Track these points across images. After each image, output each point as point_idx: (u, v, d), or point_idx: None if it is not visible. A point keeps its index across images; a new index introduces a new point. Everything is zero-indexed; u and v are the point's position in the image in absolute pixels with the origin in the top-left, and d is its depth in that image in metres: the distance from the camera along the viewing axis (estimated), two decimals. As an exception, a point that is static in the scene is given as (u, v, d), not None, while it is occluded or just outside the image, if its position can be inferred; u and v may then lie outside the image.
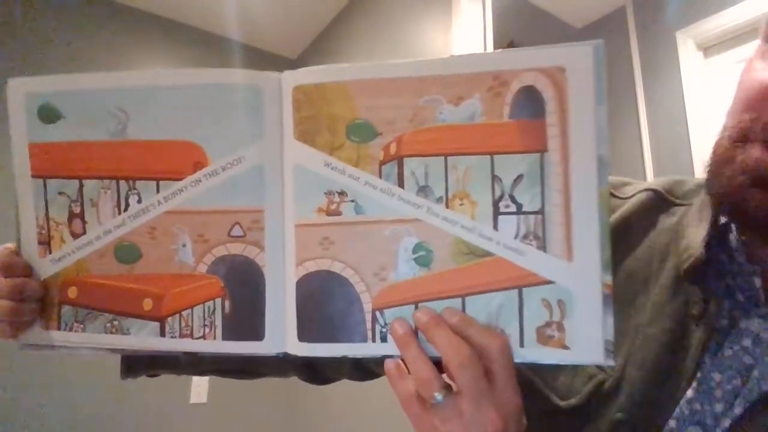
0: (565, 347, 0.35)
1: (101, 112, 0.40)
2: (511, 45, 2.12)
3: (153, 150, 0.39)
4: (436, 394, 0.32)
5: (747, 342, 0.36)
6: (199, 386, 1.62)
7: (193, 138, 0.38)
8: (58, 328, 0.41)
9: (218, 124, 0.38)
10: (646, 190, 0.47)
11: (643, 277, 0.43)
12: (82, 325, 0.41)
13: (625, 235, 0.46)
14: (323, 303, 0.37)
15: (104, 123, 0.40)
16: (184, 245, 0.39)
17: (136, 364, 0.45)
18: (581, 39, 0.34)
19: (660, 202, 0.46)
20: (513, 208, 0.36)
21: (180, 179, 0.39)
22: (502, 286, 0.36)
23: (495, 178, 0.36)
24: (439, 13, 1.59)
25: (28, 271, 0.40)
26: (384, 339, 0.37)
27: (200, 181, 0.38)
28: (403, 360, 0.35)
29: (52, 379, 1.47)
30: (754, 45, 0.40)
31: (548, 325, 0.35)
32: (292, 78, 0.37)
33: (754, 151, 0.34)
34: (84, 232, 0.40)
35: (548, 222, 0.35)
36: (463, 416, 0.31)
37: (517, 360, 0.35)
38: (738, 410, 0.34)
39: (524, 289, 0.36)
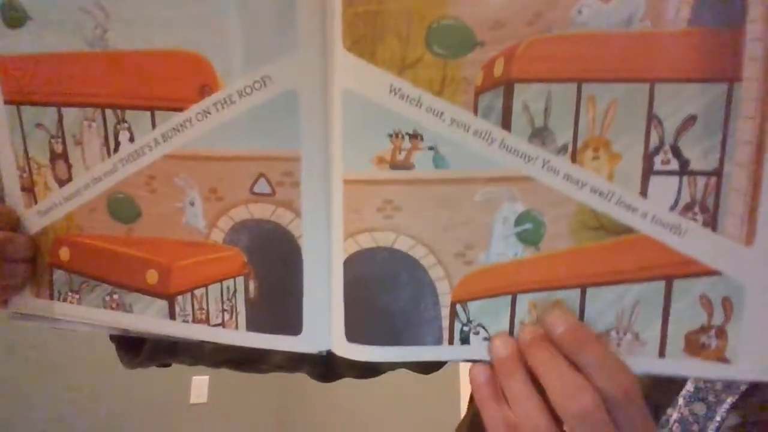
0: (724, 360, 0.23)
1: (73, 10, 0.25)
2: None
3: (143, 66, 0.25)
4: None
5: None
6: (199, 386, 1.52)
7: (197, 48, 0.24)
8: (51, 297, 0.30)
9: (231, 27, 0.23)
10: None
11: None
12: (77, 296, 0.30)
13: None
14: (382, 292, 0.25)
15: (78, 26, 0.25)
16: (192, 203, 0.26)
17: (154, 350, 0.34)
18: None
19: None
20: (674, 166, 0.22)
21: (182, 109, 0.25)
22: (643, 275, 0.23)
23: (653, 119, 0.22)
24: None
25: (15, 222, 0.30)
26: (466, 340, 0.25)
27: (209, 112, 0.25)
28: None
29: (49, 378, 1.37)
30: None
31: (704, 330, 0.23)
32: None
33: None
34: (70, 178, 0.28)
35: (726, 189, 0.22)
36: None
37: (653, 372, 0.24)
38: (742, 387, 0.29)
39: (676, 281, 0.23)
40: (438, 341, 0.25)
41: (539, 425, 0.21)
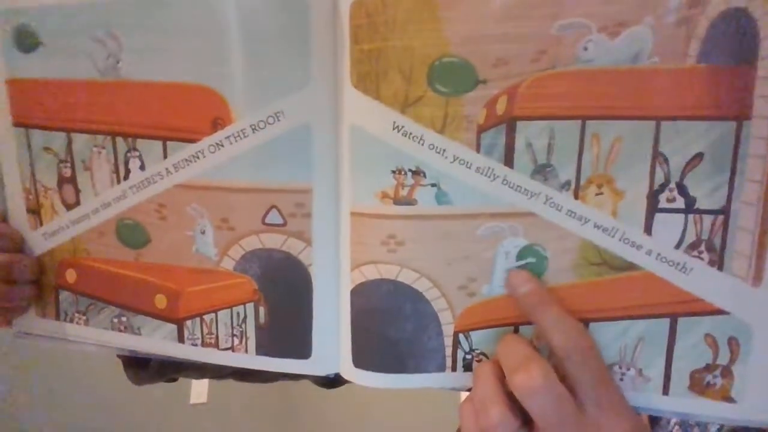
0: (730, 400, 0.23)
1: (85, 39, 0.26)
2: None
3: (155, 97, 0.26)
4: None
5: None
6: (199, 386, 1.50)
7: (210, 82, 0.25)
8: (57, 317, 0.31)
9: (246, 62, 0.24)
10: None
11: None
12: (84, 317, 0.30)
13: None
14: (387, 323, 0.25)
15: (90, 54, 0.26)
16: (203, 232, 0.27)
17: (161, 367, 0.35)
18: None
19: None
20: (680, 204, 0.22)
21: (194, 140, 0.26)
22: (647, 311, 0.23)
23: (658, 157, 0.22)
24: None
25: (19, 244, 0.30)
26: (468, 368, 0.25)
27: (222, 145, 0.25)
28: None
29: (49, 378, 1.38)
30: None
31: (709, 369, 0.23)
32: None
33: None
34: (78, 202, 0.29)
35: (733, 228, 0.21)
36: None
37: (658, 409, 0.24)
38: None
39: (681, 319, 0.23)
40: (441, 369, 0.25)
41: (498, 421, 0.21)
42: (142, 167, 0.27)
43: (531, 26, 0.20)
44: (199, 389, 1.56)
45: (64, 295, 0.30)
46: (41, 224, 0.30)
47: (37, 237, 0.30)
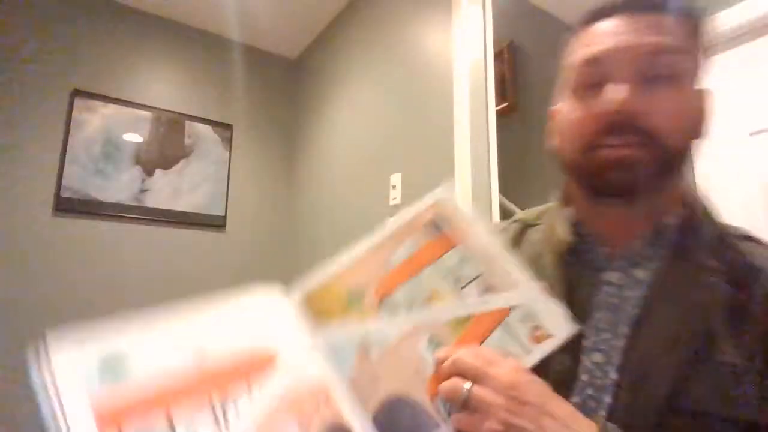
0: (550, 336, 0.48)
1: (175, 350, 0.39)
2: (510, 45, 2.02)
3: (236, 362, 0.40)
4: (463, 387, 0.41)
5: (610, 289, 0.51)
6: None
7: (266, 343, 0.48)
8: None
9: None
10: (514, 221, 0.65)
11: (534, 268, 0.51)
12: None
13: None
14: (401, 425, 0.45)
15: (180, 356, 0.38)
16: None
17: None
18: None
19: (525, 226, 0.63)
20: (468, 280, 0.49)
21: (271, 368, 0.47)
22: (492, 327, 0.49)
23: (446, 273, 0.49)
24: (439, 13, 1.50)
25: None
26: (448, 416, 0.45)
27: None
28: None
29: None
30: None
31: (533, 330, 0.48)
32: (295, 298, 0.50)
33: (603, 152, 0.48)
34: None
35: (490, 276, 0.49)
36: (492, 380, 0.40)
37: (532, 362, 0.46)
38: (624, 330, 0.47)
39: (505, 320, 0.49)
40: (438, 426, 0.45)
41: (453, 383, 0.42)
42: (237, 410, 0.36)
43: (370, 269, 0.49)
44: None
45: None
46: None
47: None
